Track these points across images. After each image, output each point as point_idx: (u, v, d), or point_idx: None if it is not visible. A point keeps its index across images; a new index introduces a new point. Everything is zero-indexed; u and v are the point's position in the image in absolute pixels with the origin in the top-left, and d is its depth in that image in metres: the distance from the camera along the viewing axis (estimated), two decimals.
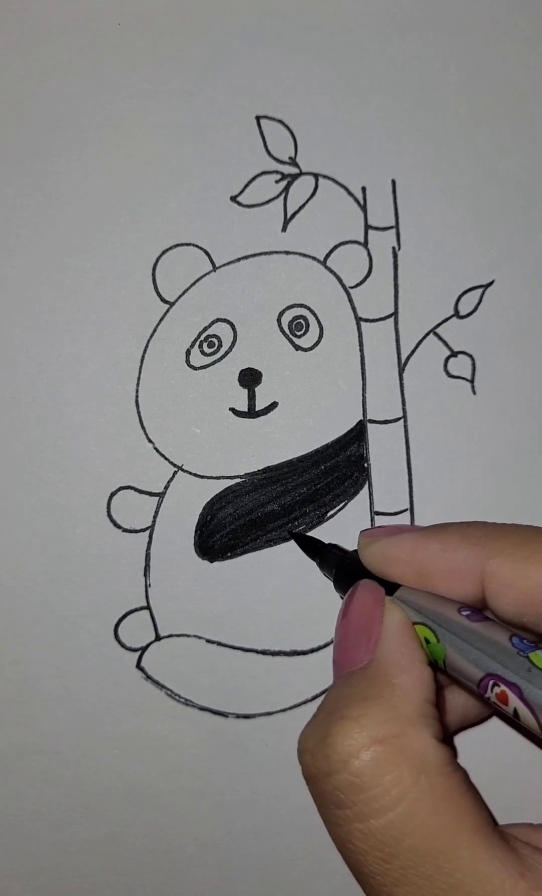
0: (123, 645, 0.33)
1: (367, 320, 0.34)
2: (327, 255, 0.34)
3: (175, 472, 0.33)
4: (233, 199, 0.34)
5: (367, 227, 0.34)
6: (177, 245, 0.33)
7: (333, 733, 0.22)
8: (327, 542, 0.31)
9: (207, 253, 0.33)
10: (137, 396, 0.33)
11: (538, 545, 0.23)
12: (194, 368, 0.33)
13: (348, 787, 0.21)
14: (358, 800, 0.21)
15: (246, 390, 0.33)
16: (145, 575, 0.33)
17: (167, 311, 0.33)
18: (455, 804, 0.21)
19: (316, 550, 0.31)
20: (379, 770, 0.21)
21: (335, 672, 0.25)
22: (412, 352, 0.34)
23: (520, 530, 0.24)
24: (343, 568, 0.29)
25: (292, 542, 0.33)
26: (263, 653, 0.33)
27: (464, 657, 0.23)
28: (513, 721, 0.22)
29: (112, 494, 0.33)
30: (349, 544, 0.33)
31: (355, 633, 0.25)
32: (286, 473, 0.33)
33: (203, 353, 0.33)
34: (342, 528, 0.33)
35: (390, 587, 0.26)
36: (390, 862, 0.20)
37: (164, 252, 0.33)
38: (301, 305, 0.33)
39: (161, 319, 0.33)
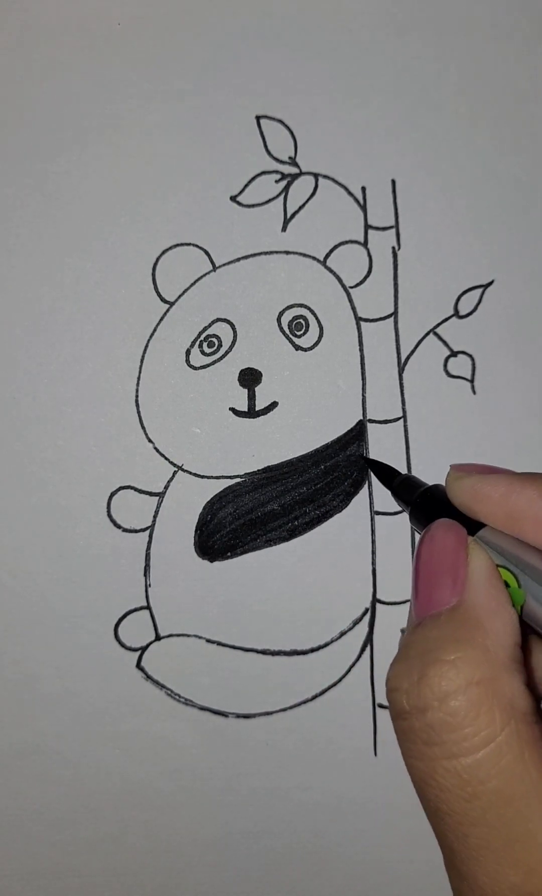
0: (123, 645, 0.33)
1: (367, 320, 0.34)
2: (327, 255, 0.34)
3: (175, 472, 0.33)
4: (233, 199, 0.34)
5: (367, 226, 0.34)
6: (177, 245, 0.33)
7: (430, 674, 0.22)
8: (400, 474, 0.30)
9: (207, 253, 0.33)
10: (137, 396, 0.33)
11: None
12: (194, 368, 0.33)
13: (441, 725, 0.21)
14: (449, 738, 0.21)
15: (246, 390, 0.33)
16: (145, 575, 0.33)
17: (167, 311, 0.33)
18: (539, 753, 0.21)
19: (393, 480, 0.30)
20: (473, 711, 0.21)
21: (418, 610, 0.24)
22: (412, 352, 0.34)
23: None
24: (424, 500, 0.28)
25: (292, 542, 0.33)
26: (264, 653, 0.33)
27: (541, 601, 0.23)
28: None
29: (112, 494, 0.33)
30: (350, 544, 0.33)
31: (439, 573, 0.24)
32: (286, 473, 0.33)
33: (203, 352, 0.33)
34: (342, 528, 0.33)
35: (472, 528, 0.25)
36: (471, 802, 0.21)
37: (164, 252, 0.33)
38: (301, 305, 0.33)
39: (161, 319, 0.33)
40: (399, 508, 0.33)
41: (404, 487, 0.29)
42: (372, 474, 0.33)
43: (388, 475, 0.30)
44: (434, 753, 0.21)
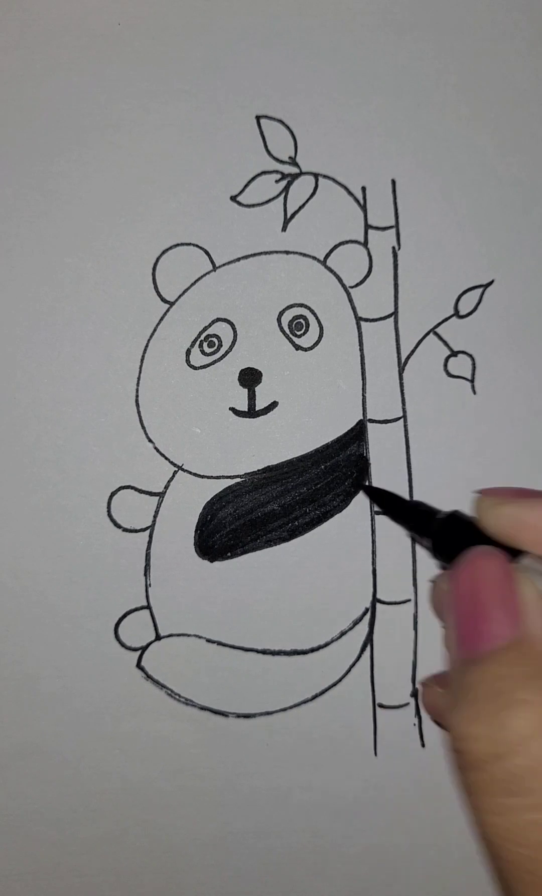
0: (123, 644, 0.33)
1: (367, 320, 0.34)
2: (327, 255, 0.34)
3: (175, 472, 0.33)
4: (233, 198, 0.34)
5: (367, 226, 0.34)
6: (177, 245, 0.33)
7: (508, 717, 0.20)
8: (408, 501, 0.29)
9: (207, 253, 0.33)
10: (137, 396, 0.33)
11: None
12: (194, 368, 0.33)
13: (527, 772, 0.19)
14: (539, 786, 0.19)
15: (246, 390, 0.33)
16: (145, 575, 0.33)
17: (167, 310, 0.33)
18: None
19: (399, 508, 0.28)
20: None
21: (465, 646, 0.22)
22: (412, 351, 0.34)
23: None
24: (447, 529, 0.25)
25: (292, 542, 0.33)
26: (264, 653, 0.33)
27: None
28: None
29: (112, 494, 0.33)
30: (350, 544, 0.33)
31: (488, 606, 0.22)
32: (286, 473, 0.33)
33: (203, 352, 0.33)
34: (342, 528, 0.33)
35: (509, 555, 0.23)
36: None
37: (164, 252, 0.33)
38: (301, 305, 0.33)
39: (161, 319, 0.33)
40: None
41: (417, 516, 0.27)
42: (371, 475, 0.33)
43: (394, 504, 0.29)
44: (520, 805, 0.19)
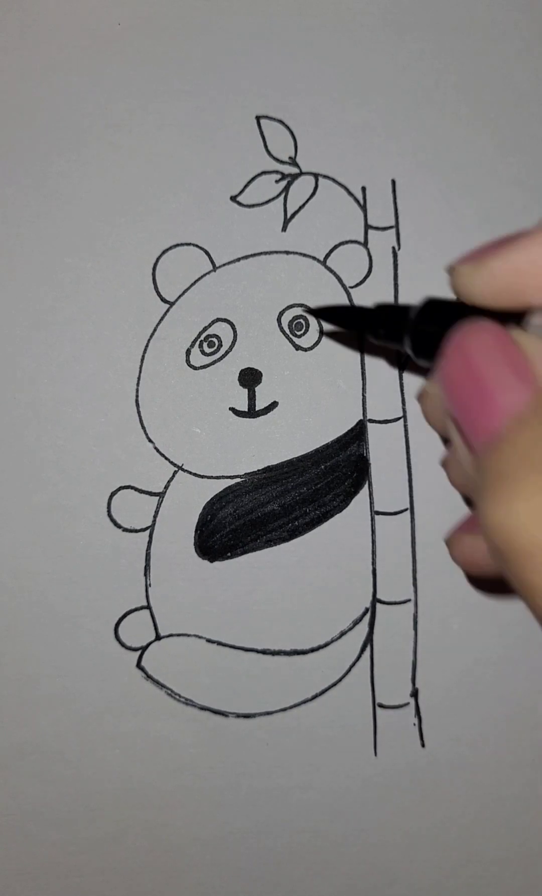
0: (123, 644, 0.33)
1: None
2: (327, 255, 0.34)
3: (175, 472, 0.33)
4: (233, 199, 0.34)
5: (367, 227, 0.34)
6: (177, 245, 0.33)
7: None
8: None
9: (207, 253, 0.33)
10: (137, 396, 0.33)
11: None
12: (194, 368, 0.33)
13: None
14: None
15: (246, 390, 0.33)
16: (145, 574, 0.33)
17: (167, 310, 0.33)
18: None
19: (368, 319, 0.24)
20: None
21: (477, 433, 0.18)
22: None
23: None
24: (431, 321, 0.21)
25: (292, 542, 0.33)
26: (264, 653, 0.33)
27: None
28: None
29: (112, 494, 0.33)
30: (350, 544, 0.33)
31: (491, 376, 0.18)
32: (286, 473, 0.33)
33: (203, 352, 0.33)
34: (342, 528, 0.33)
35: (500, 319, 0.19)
36: None
37: (164, 252, 0.33)
38: (301, 305, 0.33)
39: (161, 319, 0.33)
40: (400, 508, 0.33)
41: (386, 317, 0.23)
42: (371, 475, 0.33)
43: (353, 316, 0.24)
44: None
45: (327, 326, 0.33)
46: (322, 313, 0.28)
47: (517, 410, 0.17)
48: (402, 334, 0.22)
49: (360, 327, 0.25)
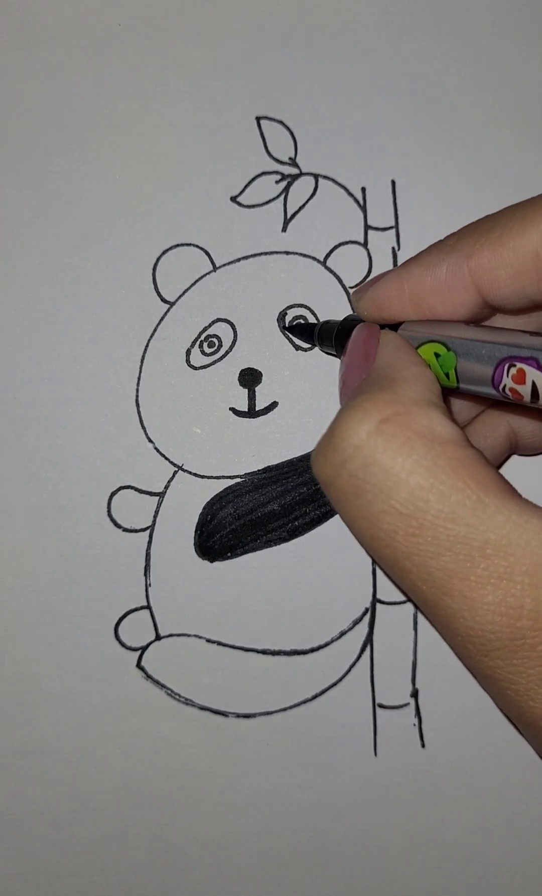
0: (123, 645, 0.33)
1: None
2: (327, 256, 0.34)
3: (175, 472, 0.33)
4: (233, 199, 0.34)
5: (367, 227, 0.34)
6: (177, 245, 0.33)
7: (338, 427, 0.21)
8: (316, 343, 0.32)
9: (207, 253, 0.33)
10: (137, 396, 0.33)
11: (509, 223, 0.23)
12: (195, 368, 0.33)
13: (363, 470, 0.20)
14: (376, 480, 0.20)
15: (246, 390, 0.33)
16: (145, 575, 0.33)
17: (167, 311, 0.33)
18: (476, 470, 0.20)
19: (313, 334, 0.31)
20: (391, 444, 0.20)
21: (345, 388, 0.25)
22: None
23: (488, 219, 0.24)
24: (344, 332, 0.28)
25: (293, 543, 0.33)
26: (264, 653, 0.33)
27: (475, 353, 0.23)
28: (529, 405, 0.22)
29: (112, 494, 0.33)
30: (350, 544, 0.33)
31: (355, 360, 0.25)
32: (286, 473, 0.33)
33: (203, 353, 0.33)
34: (343, 528, 0.33)
35: (395, 329, 0.26)
36: (420, 535, 0.20)
37: (164, 252, 0.33)
38: (301, 305, 0.33)
39: (161, 319, 0.33)
40: None
41: (326, 334, 0.30)
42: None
43: (309, 334, 0.31)
44: (368, 501, 0.20)
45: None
46: (292, 330, 0.33)
47: (358, 380, 0.24)
48: (332, 342, 0.29)
49: (312, 343, 0.32)
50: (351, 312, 0.34)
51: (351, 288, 0.34)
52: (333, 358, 0.33)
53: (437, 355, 0.24)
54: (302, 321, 0.33)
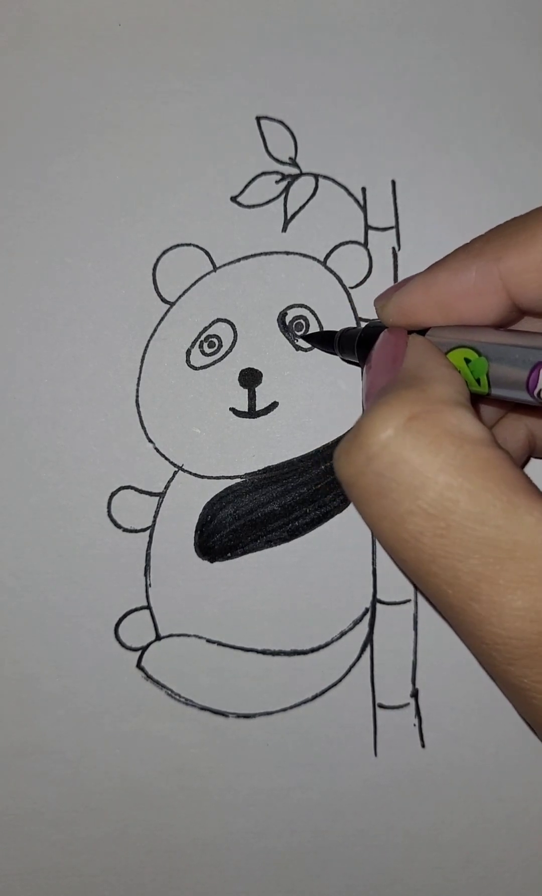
0: (123, 645, 0.33)
1: (367, 320, 0.34)
2: (327, 256, 0.34)
3: (175, 472, 0.33)
4: (233, 199, 0.34)
5: (367, 227, 0.34)
6: (177, 245, 0.33)
7: (365, 423, 0.20)
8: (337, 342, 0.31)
9: (207, 253, 0.33)
10: (137, 396, 0.33)
11: (538, 225, 0.22)
12: (195, 368, 0.33)
13: (390, 468, 0.20)
14: (403, 478, 0.20)
15: (246, 390, 0.33)
16: (145, 575, 0.33)
17: (167, 311, 0.33)
18: (505, 471, 0.19)
19: (332, 342, 0.31)
20: (419, 442, 0.20)
21: (371, 391, 0.24)
22: None
23: (516, 221, 0.23)
24: (366, 339, 0.28)
25: (293, 543, 0.33)
26: (264, 653, 0.33)
27: (508, 357, 0.23)
28: None
29: (112, 494, 0.33)
30: (350, 544, 0.33)
31: (382, 364, 0.24)
32: (286, 473, 0.33)
33: (203, 353, 0.33)
34: (342, 528, 0.33)
35: (421, 335, 0.25)
36: (447, 536, 0.19)
37: (164, 252, 0.33)
38: (301, 305, 0.33)
39: (161, 319, 0.33)
40: None
41: (347, 342, 0.30)
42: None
43: (329, 342, 0.31)
44: (394, 501, 0.20)
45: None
46: (311, 339, 0.33)
47: (385, 383, 0.23)
48: (355, 350, 0.29)
49: (332, 351, 0.32)
50: (353, 313, 0.34)
51: (351, 288, 0.34)
52: (333, 358, 0.33)
53: (467, 361, 0.23)
54: (303, 322, 0.33)
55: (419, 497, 0.19)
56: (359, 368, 0.34)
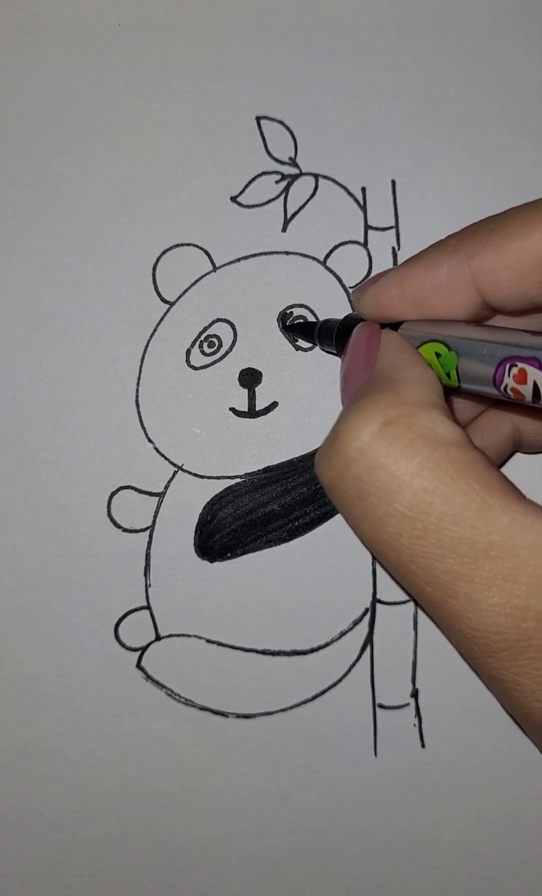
0: (123, 645, 0.33)
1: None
2: (327, 256, 0.34)
3: (175, 472, 0.33)
4: (233, 199, 0.34)
5: (367, 227, 0.34)
6: (177, 245, 0.33)
7: (341, 431, 0.21)
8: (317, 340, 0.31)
9: (207, 253, 0.33)
10: (137, 396, 0.33)
11: (512, 225, 0.23)
12: (195, 368, 0.33)
13: (367, 473, 0.20)
14: (380, 483, 0.20)
15: (246, 390, 0.33)
16: (145, 575, 0.33)
17: (167, 311, 0.33)
18: (479, 472, 0.20)
19: (312, 332, 0.31)
20: (394, 447, 0.20)
21: (347, 389, 0.25)
22: None
23: (491, 220, 0.24)
24: (343, 331, 0.28)
25: (293, 543, 0.33)
26: (264, 653, 0.33)
27: (477, 353, 0.23)
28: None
29: (112, 494, 0.33)
30: (350, 544, 0.33)
31: (356, 361, 0.25)
32: (286, 473, 0.33)
33: (203, 353, 0.33)
34: (343, 528, 0.33)
35: (395, 328, 0.26)
36: (424, 537, 0.20)
37: (164, 252, 0.33)
38: (301, 305, 0.33)
39: (161, 319, 0.33)
40: None
41: (326, 333, 0.30)
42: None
43: (309, 333, 0.32)
44: (373, 504, 0.20)
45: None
46: (292, 329, 0.33)
47: (360, 381, 0.24)
48: (332, 340, 0.30)
49: (312, 342, 0.32)
50: (351, 311, 0.34)
51: (351, 288, 0.34)
52: (333, 358, 0.33)
53: (438, 355, 0.24)
54: (302, 320, 0.33)
55: (396, 500, 0.20)
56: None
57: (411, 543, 0.20)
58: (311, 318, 0.34)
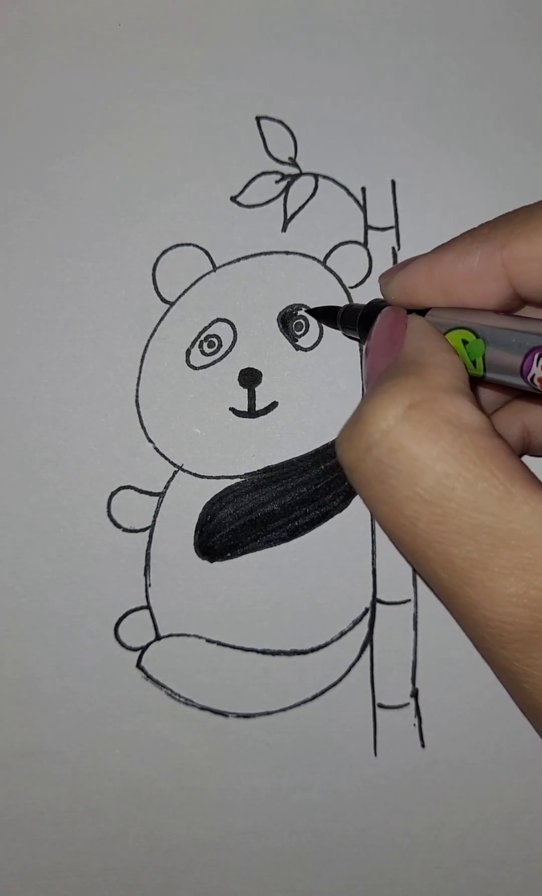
0: (123, 645, 0.33)
1: None
2: (327, 255, 0.34)
3: (175, 472, 0.33)
4: (233, 199, 0.34)
5: (367, 227, 0.34)
6: (177, 245, 0.33)
7: (365, 411, 0.21)
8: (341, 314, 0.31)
9: (207, 253, 0.33)
10: (137, 396, 0.33)
11: None
12: (194, 368, 0.33)
13: (389, 455, 0.20)
14: (402, 465, 0.20)
15: (246, 390, 0.33)
16: (145, 575, 0.33)
17: (167, 311, 0.33)
18: (503, 460, 0.20)
19: (335, 316, 0.31)
20: (418, 431, 0.20)
21: (371, 373, 0.24)
22: None
23: (525, 210, 0.24)
24: (368, 316, 0.28)
25: (292, 543, 0.33)
26: (264, 653, 0.33)
27: (504, 341, 0.23)
28: None
29: (112, 494, 0.33)
30: (350, 544, 0.33)
31: (382, 344, 0.24)
32: (286, 473, 0.33)
33: (203, 352, 0.33)
34: (342, 528, 0.33)
35: (421, 315, 0.26)
36: (443, 522, 0.20)
37: (164, 252, 0.33)
38: (301, 305, 0.33)
39: (161, 319, 0.33)
40: None
41: (350, 317, 0.30)
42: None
43: (332, 317, 0.31)
44: (393, 486, 0.20)
45: (325, 327, 0.33)
46: (315, 312, 0.33)
47: (385, 365, 0.23)
48: (356, 325, 0.29)
49: (334, 326, 0.32)
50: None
51: (351, 288, 0.34)
52: (333, 358, 0.33)
53: (465, 342, 0.24)
54: (302, 322, 0.33)
55: (417, 484, 0.20)
56: (359, 369, 0.34)
57: (430, 528, 0.20)
58: (311, 318, 0.34)
